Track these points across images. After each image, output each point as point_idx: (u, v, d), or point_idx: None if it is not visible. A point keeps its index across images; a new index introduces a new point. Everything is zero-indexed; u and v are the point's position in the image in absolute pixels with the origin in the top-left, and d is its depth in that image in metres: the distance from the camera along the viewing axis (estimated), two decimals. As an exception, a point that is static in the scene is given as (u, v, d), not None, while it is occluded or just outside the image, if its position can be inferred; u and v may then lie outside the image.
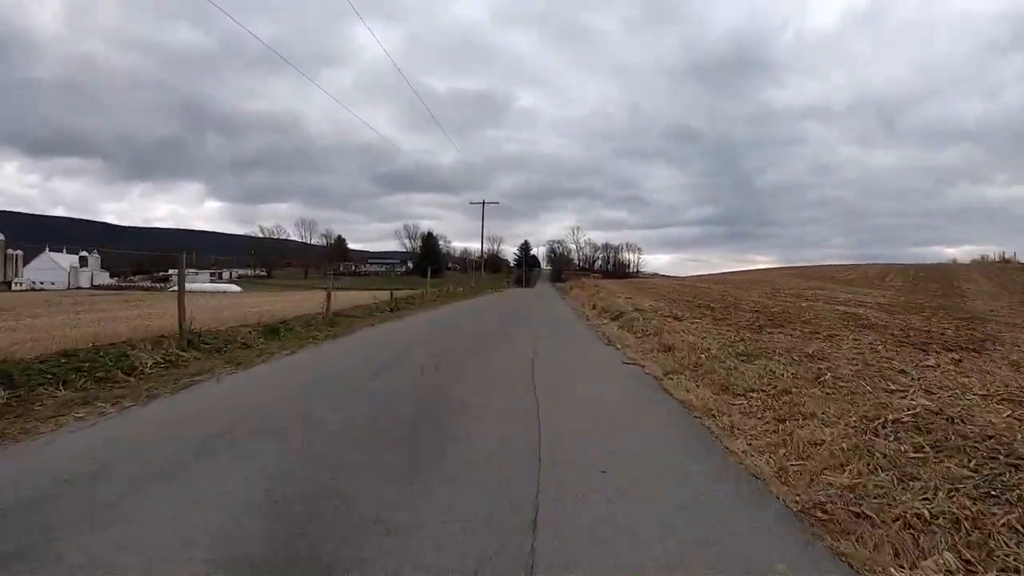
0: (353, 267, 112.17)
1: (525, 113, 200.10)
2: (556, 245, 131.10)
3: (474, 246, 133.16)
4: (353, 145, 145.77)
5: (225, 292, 38.03)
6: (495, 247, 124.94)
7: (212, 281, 69.85)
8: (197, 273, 74.22)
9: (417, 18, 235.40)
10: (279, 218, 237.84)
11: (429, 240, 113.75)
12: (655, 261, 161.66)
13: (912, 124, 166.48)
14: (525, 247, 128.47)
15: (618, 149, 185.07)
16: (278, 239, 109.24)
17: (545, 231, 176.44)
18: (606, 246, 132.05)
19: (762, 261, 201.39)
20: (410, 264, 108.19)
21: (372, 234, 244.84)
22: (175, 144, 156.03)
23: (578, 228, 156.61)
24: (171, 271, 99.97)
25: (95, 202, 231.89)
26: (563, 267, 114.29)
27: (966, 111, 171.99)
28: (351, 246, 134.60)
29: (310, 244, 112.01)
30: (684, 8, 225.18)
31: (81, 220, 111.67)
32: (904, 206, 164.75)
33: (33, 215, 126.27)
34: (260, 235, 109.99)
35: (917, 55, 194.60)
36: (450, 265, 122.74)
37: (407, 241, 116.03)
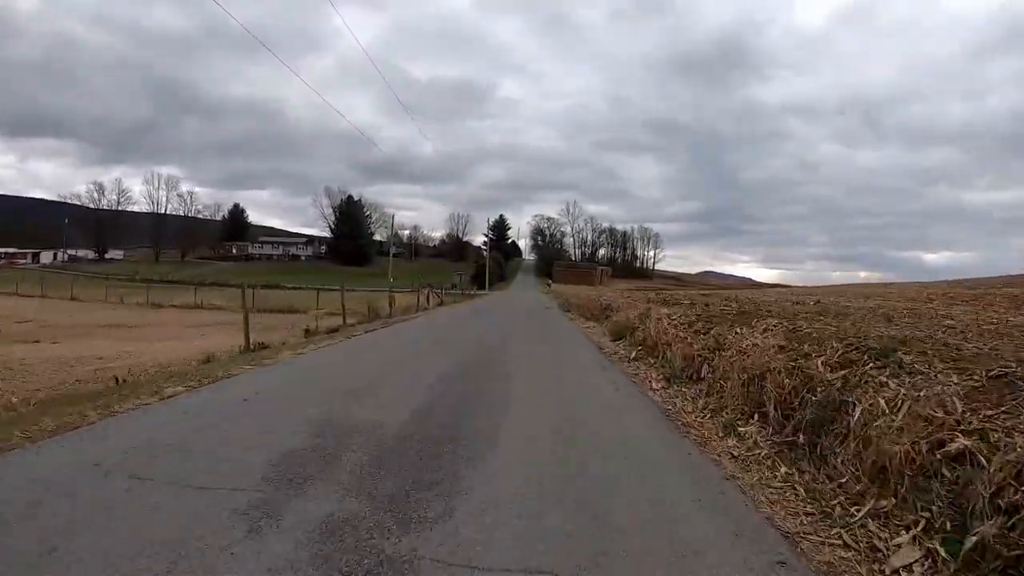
0: (249, 249, 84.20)
1: (507, 103, 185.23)
2: (545, 224, 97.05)
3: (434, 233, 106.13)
4: (333, 133, 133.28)
5: None
6: (460, 227, 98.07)
7: None
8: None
9: (400, 4, 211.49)
10: (260, 206, 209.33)
11: (350, 209, 77.39)
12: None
13: (896, 125, 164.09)
14: (499, 225, 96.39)
15: (601, 141, 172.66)
16: (118, 210, 78.51)
17: (527, 225, 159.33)
18: (612, 232, 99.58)
19: (743, 260, 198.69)
20: (323, 248, 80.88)
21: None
22: (151, 127, 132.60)
23: (575, 203, 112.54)
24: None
25: (70, 185, 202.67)
26: (554, 257, 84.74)
27: (950, 114, 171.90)
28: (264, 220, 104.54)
29: (170, 215, 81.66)
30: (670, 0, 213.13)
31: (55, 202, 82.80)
32: (886, 207, 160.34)
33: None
34: (89, 204, 78.07)
35: (904, 56, 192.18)
36: (396, 251, 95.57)
37: (327, 211, 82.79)
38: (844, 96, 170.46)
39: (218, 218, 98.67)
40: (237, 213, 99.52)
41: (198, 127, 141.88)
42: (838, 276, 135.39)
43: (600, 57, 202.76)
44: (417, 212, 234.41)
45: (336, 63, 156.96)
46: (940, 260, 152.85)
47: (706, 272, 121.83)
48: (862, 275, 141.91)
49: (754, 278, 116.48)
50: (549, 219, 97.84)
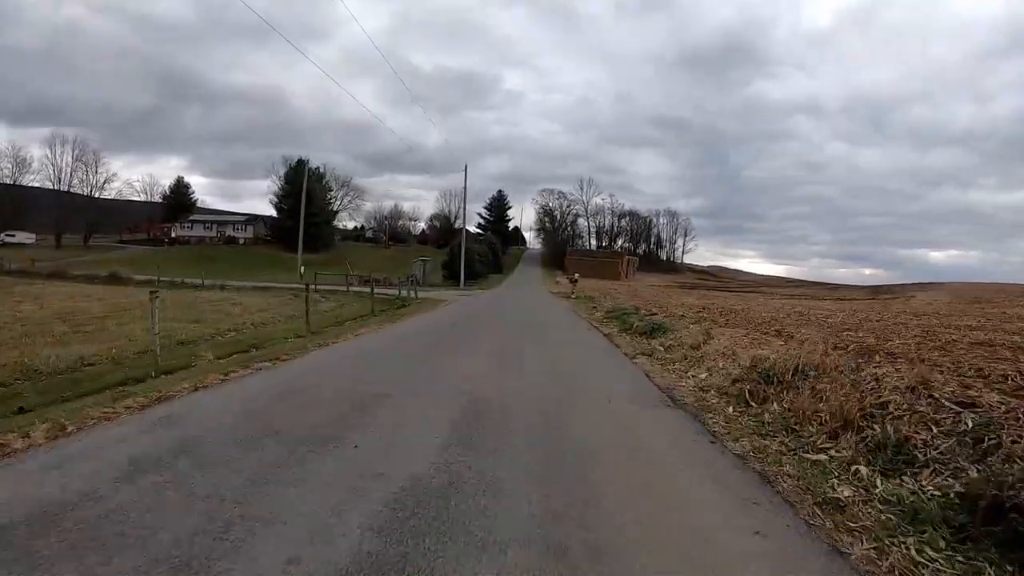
0: (177, 229, 69.66)
1: (510, 95, 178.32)
2: (555, 201, 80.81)
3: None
4: (338, 122, 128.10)
5: None
6: (449, 208, 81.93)
7: None
8: None
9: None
10: (260, 195, 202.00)
11: (300, 178, 55.47)
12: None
13: (901, 125, 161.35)
14: (497, 203, 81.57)
15: (605, 136, 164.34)
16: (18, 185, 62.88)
17: (532, 204, 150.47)
18: (633, 216, 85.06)
19: (747, 256, 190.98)
20: (253, 228, 64.86)
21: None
22: (155, 116, 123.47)
23: (590, 181, 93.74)
24: None
25: (72, 174, 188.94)
26: (566, 243, 69.57)
27: (956, 115, 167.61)
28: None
29: (74, 193, 65.67)
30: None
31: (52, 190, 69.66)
32: (890, 206, 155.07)
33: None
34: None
35: (910, 57, 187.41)
36: (370, 234, 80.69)
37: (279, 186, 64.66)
38: (850, 95, 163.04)
39: (157, 197, 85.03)
40: (180, 190, 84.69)
41: (201, 117, 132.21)
42: (844, 273, 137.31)
43: (604, 52, 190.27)
44: (417, 203, 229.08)
45: (338, 53, 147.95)
46: (946, 259, 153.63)
47: (714, 267, 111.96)
48: (867, 272, 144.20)
49: (760, 273, 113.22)
50: (560, 194, 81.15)
